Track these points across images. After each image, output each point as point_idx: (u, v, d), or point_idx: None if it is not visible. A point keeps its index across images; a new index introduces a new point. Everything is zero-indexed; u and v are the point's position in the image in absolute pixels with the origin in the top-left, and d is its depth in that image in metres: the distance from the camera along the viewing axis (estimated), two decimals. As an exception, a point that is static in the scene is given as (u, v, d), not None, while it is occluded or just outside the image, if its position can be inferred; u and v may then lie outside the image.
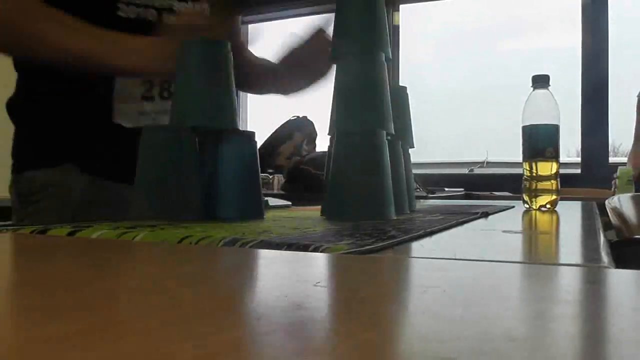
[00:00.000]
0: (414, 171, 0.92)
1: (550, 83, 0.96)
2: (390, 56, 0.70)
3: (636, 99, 2.27)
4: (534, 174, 0.95)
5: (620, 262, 0.40)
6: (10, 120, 0.95)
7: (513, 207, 1.03)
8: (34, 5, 0.76)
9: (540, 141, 0.94)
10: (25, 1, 0.76)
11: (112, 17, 0.84)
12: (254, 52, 0.98)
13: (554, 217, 0.85)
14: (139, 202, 0.64)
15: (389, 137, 0.70)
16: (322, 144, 2.71)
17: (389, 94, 0.69)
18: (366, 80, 0.67)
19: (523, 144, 0.97)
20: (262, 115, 3.44)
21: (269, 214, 0.75)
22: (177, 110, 0.66)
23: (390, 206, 0.67)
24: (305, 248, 0.40)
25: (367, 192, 0.66)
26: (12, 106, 0.95)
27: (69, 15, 0.76)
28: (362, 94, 0.67)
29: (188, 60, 0.65)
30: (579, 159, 2.77)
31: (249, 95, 3.59)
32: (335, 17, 0.70)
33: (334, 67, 0.69)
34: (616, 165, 2.18)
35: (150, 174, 0.65)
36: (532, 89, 0.96)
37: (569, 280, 0.32)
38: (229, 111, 0.66)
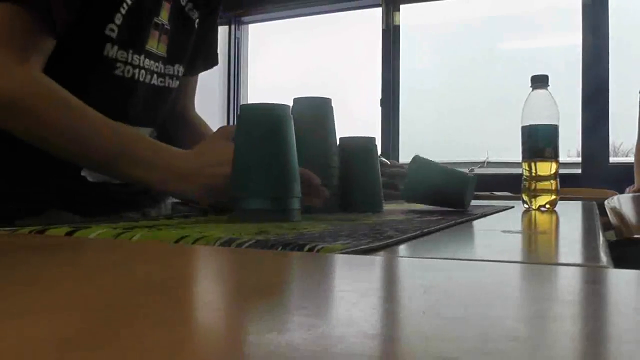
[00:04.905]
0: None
1: (550, 83, 0.95)
2: None
3: (638, 95, 2.26)
4: (534, 174, 0.95)
5: (620, 262, 0.40)
6: None
7: (513, 207, 1.03)
8: (54, 93, 0.71)
9: (539, 141, 0.94)
10: (46, 87, 0.71)
11: (108, 75, 0.80)
12: None
13: (554, 217, 0.84)
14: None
15: None
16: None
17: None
18: None
19: (522, 144, 0.96)
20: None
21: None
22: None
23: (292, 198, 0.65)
24: (301, 248, 0.39)
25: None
26: None
27: (92, 110, 0.71)
28: None
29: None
30: (579, 159, 2.77)
31: (249, 95, 3.59)
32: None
33: None
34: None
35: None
36: (531, 89, 0.96)
37: (568, 280, 0.31)
38: None
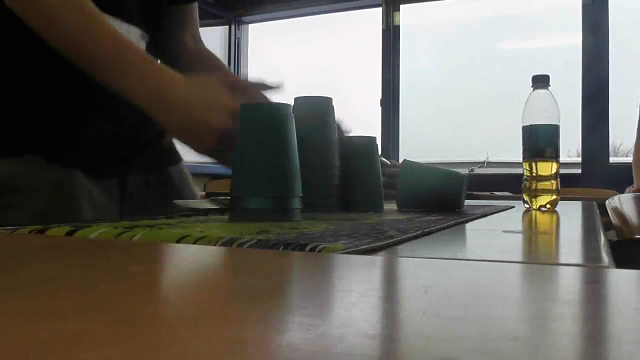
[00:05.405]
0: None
1: (551, 83, 0.95)
2: None
3: (639, 95, 2.25)
4: (534, 174, 0.95)
5: (621, 262, 0.40)
6: None
7: (513, 207, 1.03)
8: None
9: (540, 141, 0.94)
10: None
11: None
12: None
13: (554, 217, 0.84)
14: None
15: None
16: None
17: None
18: None
19: (523, 144, 0.96)
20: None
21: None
22: None
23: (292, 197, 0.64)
24: (302, 248, 0.39)
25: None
26: None
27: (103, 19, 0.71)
28: None
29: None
30: (579, 159, 2.77)
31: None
32: None
33: None
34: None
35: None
36: (532, 89, 0.96)
37: (569, 280, 0.31)
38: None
